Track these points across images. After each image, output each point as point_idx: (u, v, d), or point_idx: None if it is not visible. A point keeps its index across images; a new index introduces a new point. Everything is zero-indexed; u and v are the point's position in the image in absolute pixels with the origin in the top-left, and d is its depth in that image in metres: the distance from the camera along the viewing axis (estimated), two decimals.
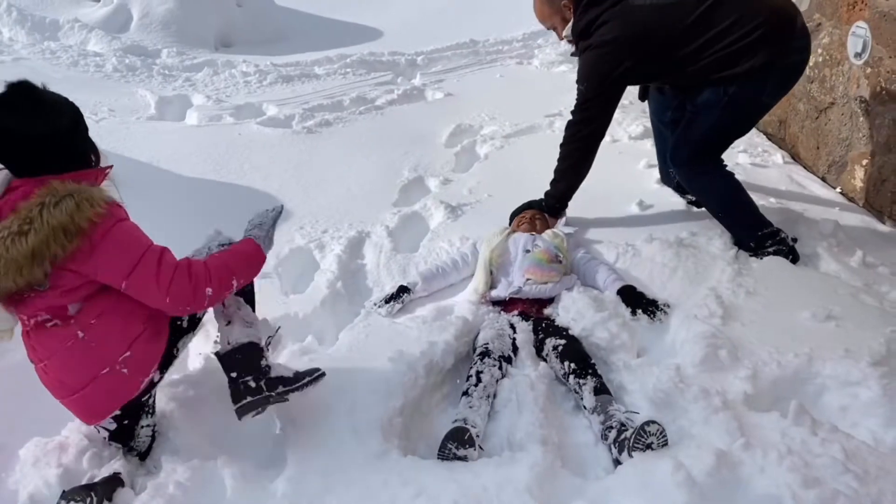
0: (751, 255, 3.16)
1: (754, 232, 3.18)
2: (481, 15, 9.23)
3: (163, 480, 2.02)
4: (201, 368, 2.53)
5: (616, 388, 2.46)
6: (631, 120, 5.06)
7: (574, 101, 3.26)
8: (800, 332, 2.59)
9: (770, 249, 3.13)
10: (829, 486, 1.88)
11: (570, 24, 3.19)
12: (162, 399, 2.36)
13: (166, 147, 4.92)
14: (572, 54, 3.37)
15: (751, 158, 4.31)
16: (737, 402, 2.26)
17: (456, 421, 2.25)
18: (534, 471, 2.02)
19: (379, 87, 6.54)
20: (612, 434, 2.18)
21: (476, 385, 2.41)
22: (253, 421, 2.19)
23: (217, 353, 2.32)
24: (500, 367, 2.51)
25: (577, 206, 3.57)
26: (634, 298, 2.81)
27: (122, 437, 2.22)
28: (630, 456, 2.08)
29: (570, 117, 3.31)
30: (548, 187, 3.48)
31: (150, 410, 2.25)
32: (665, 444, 2.09)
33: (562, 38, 3.35)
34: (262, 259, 2.27)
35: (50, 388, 2.12)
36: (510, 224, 3.44)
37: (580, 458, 2.22)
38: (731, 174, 3.30)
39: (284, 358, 2.64)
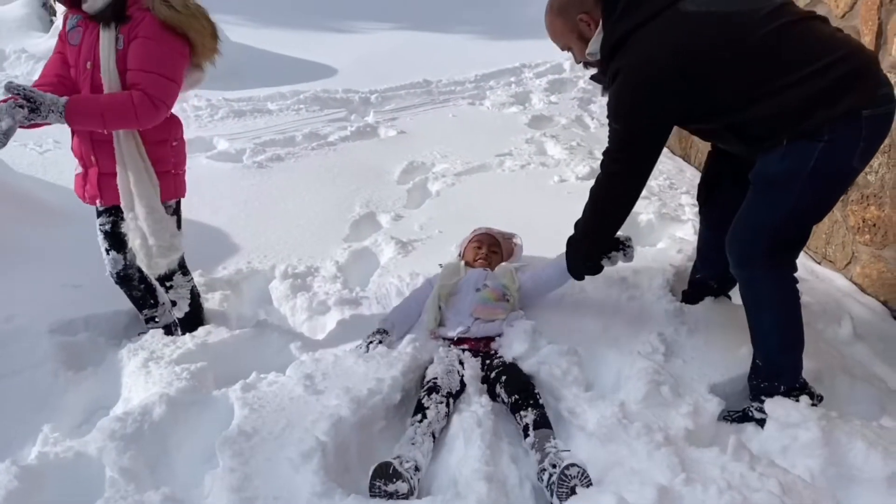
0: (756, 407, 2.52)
1: (793, 382, 2.49)
2: (434, 56, 9.38)
3: None
4: (140, 403, 2.47)
5: (567, 418, 2.48)
6: (579, 160, 5.18)
7: (606, 145, 2.55)
8: (739, 369, 2.65)
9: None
10: None
11: (593, 40, 2.46)
12: (101, 435, 2.29)
13: None
14: (592, 78, 2.70)
15: (693, 199, 4.39)
16: (678, 437, 2.30)
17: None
18: None
19: (332, 124, 6.56)
20: (545, 476, 2.20)
21: (421, 422, 2.41)
22: (192, 453, 2.29)
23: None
24: (447, 405, 2.51)
25: (525, 245, 3.62)
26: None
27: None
28: (559, 500, 2.11)
29: (603, 163, 2.59)
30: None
31: None
32: (589, 484, 2.13)
33: (580, 62, 2.62)
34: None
35: None
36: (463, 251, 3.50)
37: (525, 493, 2.22)
38: (798, 292, 2.52)
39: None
